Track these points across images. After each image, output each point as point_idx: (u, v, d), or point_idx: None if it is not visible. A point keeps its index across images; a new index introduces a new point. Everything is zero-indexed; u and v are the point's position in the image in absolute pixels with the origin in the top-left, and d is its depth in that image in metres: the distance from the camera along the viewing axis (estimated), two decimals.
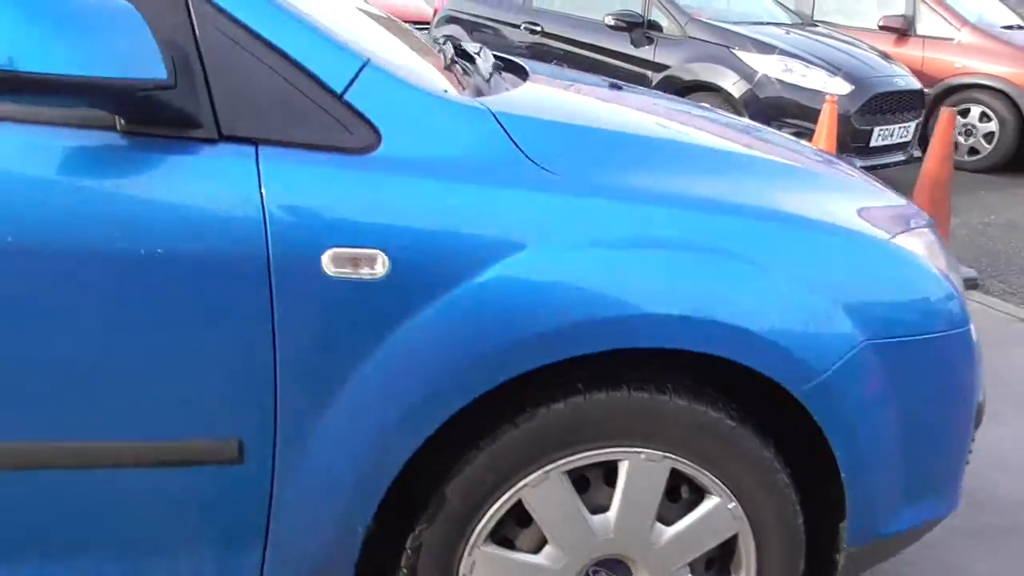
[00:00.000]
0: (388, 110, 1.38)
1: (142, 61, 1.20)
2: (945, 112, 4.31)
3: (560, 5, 6.78)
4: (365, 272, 1.32)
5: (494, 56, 2.15)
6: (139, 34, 1.20)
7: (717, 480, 1.54)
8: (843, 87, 5.75)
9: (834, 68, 5.86)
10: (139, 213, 1.28)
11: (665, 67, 6.12)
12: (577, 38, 6.53)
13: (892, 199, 1.85)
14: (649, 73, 6.19)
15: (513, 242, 1.36)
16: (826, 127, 4.67)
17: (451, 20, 7.40)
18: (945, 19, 7.32)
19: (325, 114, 1.34)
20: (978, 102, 7.10)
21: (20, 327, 1.27)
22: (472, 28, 7.22)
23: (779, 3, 7.10)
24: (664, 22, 6.22)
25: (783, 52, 5.88)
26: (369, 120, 1.36)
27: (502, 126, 1.44)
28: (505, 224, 1.37)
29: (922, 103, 6.33)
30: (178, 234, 1.28)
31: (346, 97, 1.36)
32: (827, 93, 5.71)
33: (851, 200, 1.71)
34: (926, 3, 7.38)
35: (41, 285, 1.27)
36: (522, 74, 1.97)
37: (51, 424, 1.31)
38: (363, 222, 1.32)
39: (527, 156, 1.42)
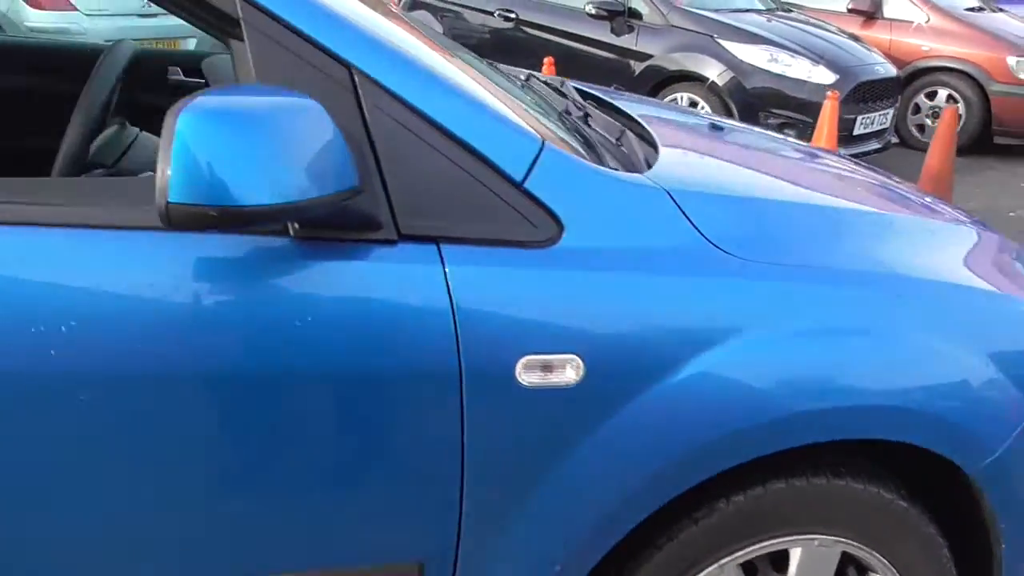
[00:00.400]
0: (568, 197, 1.27)
1: (339, 172, 1.07)
2: (947, 109, 4.33)
3: None
4: (558, 379, 1.22)
5: (575, 89, 2.04)
6: (334, 142, 1.07)
7: (886, 560, 1.49)
8: (828, 76, 5.75)
9: (817, 57, 5.86)
10: (316, 325, 1.15)
11: (648, 56, 6.04)
12: (555, 26, 6.39)
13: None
14: (632, 62, 6.10)
15: (706, 337, 1.27)
16: (827, 122, 4.65)
17: (417, 6, 7.17)
18: (911, 2, 7.38)
19: (506, 206, 1.23)
20: (945, 85, 7.20)
21: (188, 454, 1.15)
22: (440, 14, 7.01)
23: None
24: (645, 10, 6.12)
25: (768, 41, 5.85)
26: (551, 209, 1.25)
27: (679, 207, 1.34)
28: (696, 318, 1.28)
29: (899, 90, 6.39)
30: (361, 346, 1.17)
31: (526, 185, 1.24)
32: (812, 82, 5.73)
33: (997, 258, 1.67)
34: None
35: (213, 409, 1.15)
36: (620, 115, 1.86)
37: (216, 560, 1.19)
38: (555, 325, 1.22)
39: (707, 239, 1.33)
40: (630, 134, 1.64)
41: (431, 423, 1.20)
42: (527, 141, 1.27)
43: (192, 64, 2.24)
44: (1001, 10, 8.04)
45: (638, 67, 6.07)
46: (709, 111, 5.61)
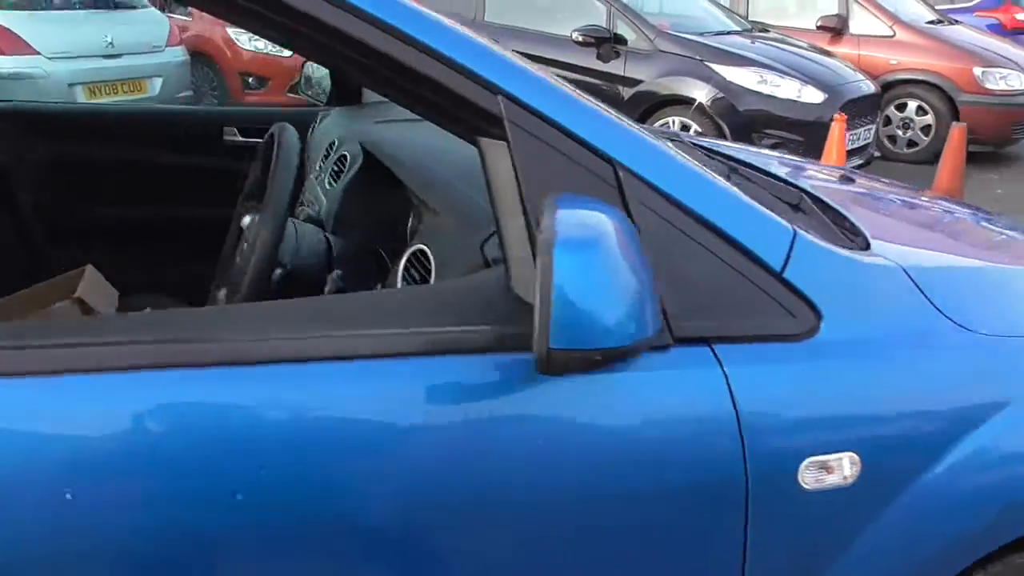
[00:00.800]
0: (824, 284, 1.22)
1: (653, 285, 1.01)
2: (956, 128, 4.41)
3: (514, 20, 6.58)
4: (837, 478, 1.17)
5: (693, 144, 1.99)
6: (645, 256, 1.01)
7: None
8: (817, 96, 5.84)
9: (805, 77, 5.94)
10: (595, 444, 1.08)
11: (637, 81, 6.05)
12: (540, 54, 6.35)
13: None
14: (620, 88, 6.11)
15: (966, 419, 1.24)
16: (836, 144, 4.71)
17: None
18: (876, 17, 7.56)
19: (768, 298, 1.18)
20: (914, 96, 7.37)
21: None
22: None
23: (718, 5, 7.14)
24: (631, 36, 6.13)
25: (756, 63, 5.91)
26: (809, 299, 1.20)
27: (917, 285, 1.30)
28: (955, 399, 1.24)
29: (878, 106, 6.51)
30: (642, 463, 1.10)
31: (785, 275, 1.19)
32: (801, 102, 5.81)
33: None
34: (858, 2, 7.60)
35: (507, 535, 1.08)
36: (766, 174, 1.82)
37: None
38: (829, 422, 1.17)
39: (945, 315, 1.29)
40: (808, 200, 1.60)
41: (711, 538, 1.14)
42: (780, 229, 1.22)
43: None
44: (957, 22, 8.29)
45: (627, 92, 6.08)
46: (701, 132, 5.65)
